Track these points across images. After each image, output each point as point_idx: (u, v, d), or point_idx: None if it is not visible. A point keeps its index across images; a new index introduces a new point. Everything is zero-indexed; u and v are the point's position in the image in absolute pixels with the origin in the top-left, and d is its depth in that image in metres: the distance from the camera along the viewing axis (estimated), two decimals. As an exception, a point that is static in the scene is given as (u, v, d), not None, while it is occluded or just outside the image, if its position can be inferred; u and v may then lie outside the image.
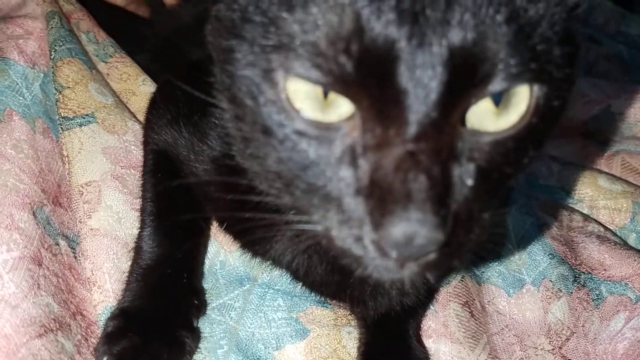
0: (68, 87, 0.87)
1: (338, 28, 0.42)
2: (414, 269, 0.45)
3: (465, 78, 0.43)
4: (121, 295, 0.69)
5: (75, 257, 0.74)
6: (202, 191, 0.73)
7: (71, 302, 0.69)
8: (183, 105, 0.75)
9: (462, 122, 0.45)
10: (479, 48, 0.42)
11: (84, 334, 0.67)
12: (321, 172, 0.45)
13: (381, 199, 0.43)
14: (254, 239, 0.70)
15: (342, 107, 0.44)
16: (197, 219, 0.77)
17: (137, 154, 0.83)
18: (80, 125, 0.83)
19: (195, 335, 0.69)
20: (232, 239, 0.77)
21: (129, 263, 0.72)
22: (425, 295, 0.77)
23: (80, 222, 0.75)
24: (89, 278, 0.71)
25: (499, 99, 0.45)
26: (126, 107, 0.93)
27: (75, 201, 0.77)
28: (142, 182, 0.78)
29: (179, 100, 0.76)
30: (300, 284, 0.75)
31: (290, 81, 0.44)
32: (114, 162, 0.81)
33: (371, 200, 0.43)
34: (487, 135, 0.46)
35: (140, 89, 0.98)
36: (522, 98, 0.46)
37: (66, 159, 0.80)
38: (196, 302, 0.72)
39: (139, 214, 0.75)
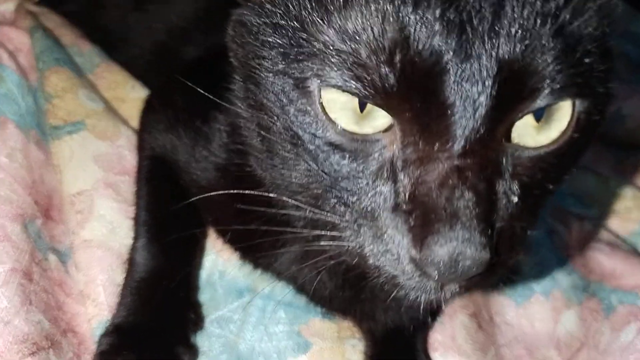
0: (57, 96, 0.88)
1: (381, 37, 0.41)
2: (454, 289, 0.45)
3: (513, 92, 0.43)
4: (115, 310, 0.70)
5: (67, 272, 0.75)
6: (203, 202, 0.74)
7: (62, 319, 0.69)
8: (182, 109, 0.76)
9: (507, 137, 0.45)
10: (527, 61, 0.42)
11: (76, 351, 0.67)
12: (356, 185, 0.45)
13: (424, 216, 0.42)
14: (258, 252, 0.71)
15: (379, 119, 0.44)
16: (192, 226, 0.77)
17: (130, 159, 0.84)
18: (70, 133, 0.84)
19: (193, 351, 0.70)
20: (232, 250, 0.78)
21: (123, 275, 0.73)
22: (435, 309, 0.79)
23: (73, 234, 0.75)
24: (82, 291, 0.72)
25: (541, 114, 0.45)
26: (117, 114, 0.94)
27: (67, 212, 0.78)
28: (136, 189, 0.79)
29: (177, 105, 0.77)
30: (305, 296, 0.75)
31: (325, 91, 0.44)
32: (107, 169, 0.82)
33: (412, 217, 0.43)
34: (529, 151, 0.46)
35: (130, 95, 0.99)
36: (564, 113, 0.46)
37: (57, 169, 0.81)
38: (193, 316, 0.72)
39: (133, 224, 0.76)
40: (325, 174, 0.46)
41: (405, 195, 0.43)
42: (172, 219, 0.76)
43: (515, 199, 0.45)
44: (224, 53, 0.56)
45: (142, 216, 0.76)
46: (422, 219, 0.42)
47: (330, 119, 0.44)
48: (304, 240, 0.63)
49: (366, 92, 0.42)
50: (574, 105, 0.46)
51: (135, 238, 0.75)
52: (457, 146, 0.42)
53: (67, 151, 0.82)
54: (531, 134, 0.46)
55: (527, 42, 0.42)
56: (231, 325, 0.74)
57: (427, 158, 0.43)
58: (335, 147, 0.45)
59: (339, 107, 0.44)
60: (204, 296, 0.77)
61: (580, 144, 0.49)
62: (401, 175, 0.44)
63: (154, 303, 0.70)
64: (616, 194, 1.03)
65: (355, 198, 0.46)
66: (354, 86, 0.42)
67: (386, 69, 0.41)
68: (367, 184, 0.45)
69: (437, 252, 0.41)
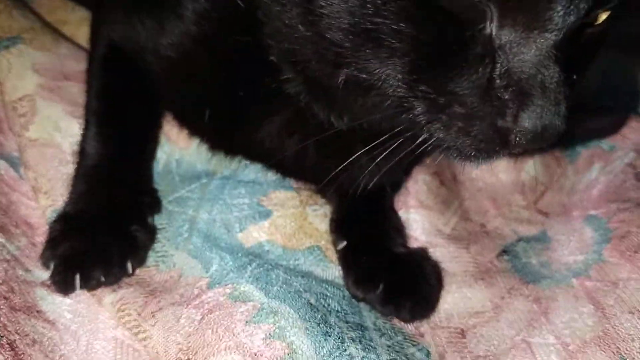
0: (-10, 18, 0.88)
1: None
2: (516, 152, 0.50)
3: None
4: (67, 199, 0.70)
5: (20, 176, 0.76)
6: (173, 82, 0.72)
7: (14, 212, 0.70)
8: None
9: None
10: None
11: (31, 240, 0.68)
12: (454, 59, 0.48)
13: (519, 90, 0.46)
14: (237, 127, 0.70)
15: None
16: (145, 116, 0.78)
17: (73, 67, 0.84)
18: (7, 47, 0.84)
19: (150, 229, 0.70)
20: (201, 138, 0.77)
21: (75, 166, 0.74)
22: (404, 172, 0.81)
23: (19, 136, 0.76)
24: (34, 187, 0.73)
25: None
26: (59, 32, 0.95)
27: (11, 118, 0.78)
28: (87, 78, 0.78)
29: None
30: (277, 171, 0.77)
31: None
32: (48, 77, 0.82)
33: (507, 91, 0.47)
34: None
35: (70, 17, 1.00)
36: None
37: (-3, 82, 0.82)
38: (148, 199, 0.73)
39: (84, 113, 0.76)
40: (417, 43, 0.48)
41: (502, 71, 0.47)
42: (124, 107, 0.76)
43: (574, 77, 0.50)
44: None
45: (94, 105, 0.75)
46: (517, 94, 0.46)
47: None
48: (293, 107, 0.64)
49: None
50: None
51: (86, 127, 0.74)
52: (556, 33, 0.47)
53: (4, 64, 0.82)
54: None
55: None
56: (190, 203, 0.75)
57: (526, 39, 0.47)
58: (443, 14, 0.46)
59: None
60: (161, 184, 0.77)
61: (603, 36, 0.55)
62: (500, 53, 0.47)
63: (105, 189, 0.70)
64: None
65: (450, 72, 0.48)
66: None
67: None
68: (465, 57, 0.48)
69: (532, 122, 0.46)
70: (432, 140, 0.51)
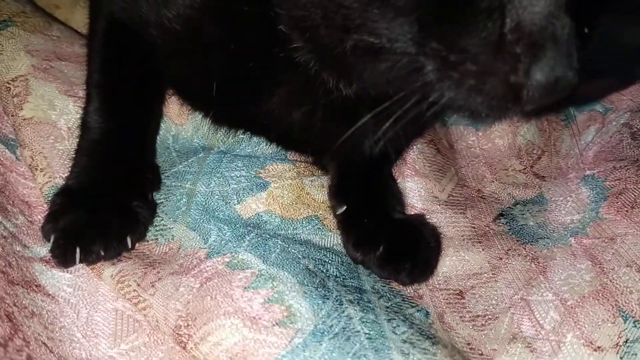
0: (-20, 2, 0.88)
1: None
2: (530, 109, 0.48)
3: None
4: (69, 173, 0.69)
5: (17, 158, 0.76)
6: (179, 50, 0.70)
7: (10, 191, 0.70)
8: None
9: None
10: None
11: (28, 218, 0.68)
12: (460, 14, 0.46)
13: (531, 44, 0.44)
14: (243, 100, 0.69)
15: None
16: (148, 90, 0.76)
17: (66, 48, 0.84)
18: (-2, 30, 0.84)
19: (151, 206, 0.69)
20: (207, 109, 0.75)
21: (73, 143, 0.72)
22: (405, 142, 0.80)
23: (14, 116, 0.75)
24: (30, 165, 0.72)
25: None
26: (51, 16, 0.95)
27: (5, 99, 0.78)
28: (88, 51, 0.77)
29: None
30: (278, 142, 0.77)
31: None
32: (41, 58, 0.81)
33: (518, 45, 0.45)
34: None
35: (63, 1, 1.00)
36: None
37: (-12, 64, 0.81)
38: (150, 176, 0.72)
39: (85, 87, 0.75)
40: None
41: (512, 25, 0.45)
42: (127, 81, 0.74)
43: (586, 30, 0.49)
44: None
45: (96, 78, 0.74)
46: (529, 47, 0.44)
47: None
48: (302, 76, 0.63)
49: None
50: None
51: (87, 102, 0.73)
52: None
53: (-4, 47, 0.82)
54: None
55: None
56: (188, 177, 0.74)
57: None
58: None
59: None
60: (158, 159, 0.77)
61: None
62: (509, 6, 0.45)
63: (108, 164, 0.69)
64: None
65: (462, 31, 0.47)
66: None
67: None
68: (472, 12, 0.46)
69: (544, 75, 0.44)
70: (443, 100, 0.50)
